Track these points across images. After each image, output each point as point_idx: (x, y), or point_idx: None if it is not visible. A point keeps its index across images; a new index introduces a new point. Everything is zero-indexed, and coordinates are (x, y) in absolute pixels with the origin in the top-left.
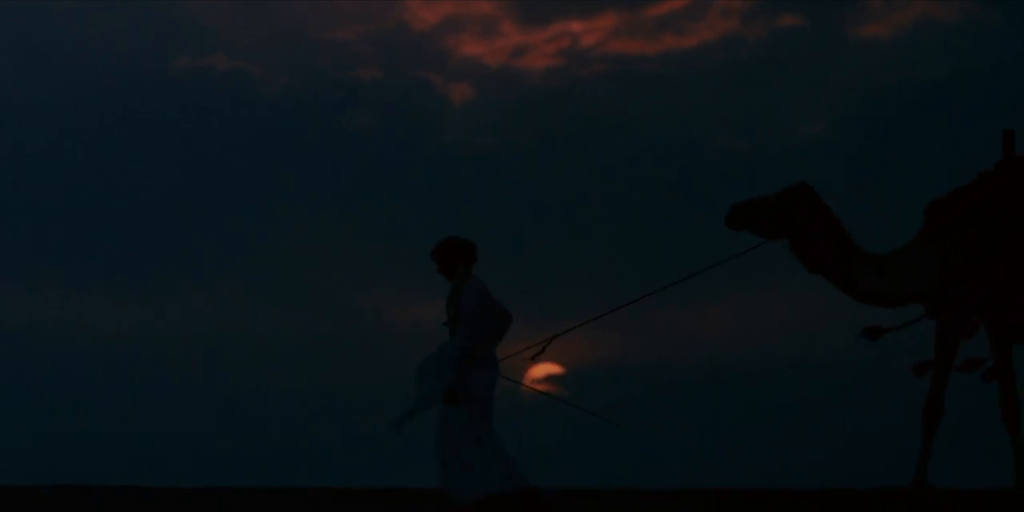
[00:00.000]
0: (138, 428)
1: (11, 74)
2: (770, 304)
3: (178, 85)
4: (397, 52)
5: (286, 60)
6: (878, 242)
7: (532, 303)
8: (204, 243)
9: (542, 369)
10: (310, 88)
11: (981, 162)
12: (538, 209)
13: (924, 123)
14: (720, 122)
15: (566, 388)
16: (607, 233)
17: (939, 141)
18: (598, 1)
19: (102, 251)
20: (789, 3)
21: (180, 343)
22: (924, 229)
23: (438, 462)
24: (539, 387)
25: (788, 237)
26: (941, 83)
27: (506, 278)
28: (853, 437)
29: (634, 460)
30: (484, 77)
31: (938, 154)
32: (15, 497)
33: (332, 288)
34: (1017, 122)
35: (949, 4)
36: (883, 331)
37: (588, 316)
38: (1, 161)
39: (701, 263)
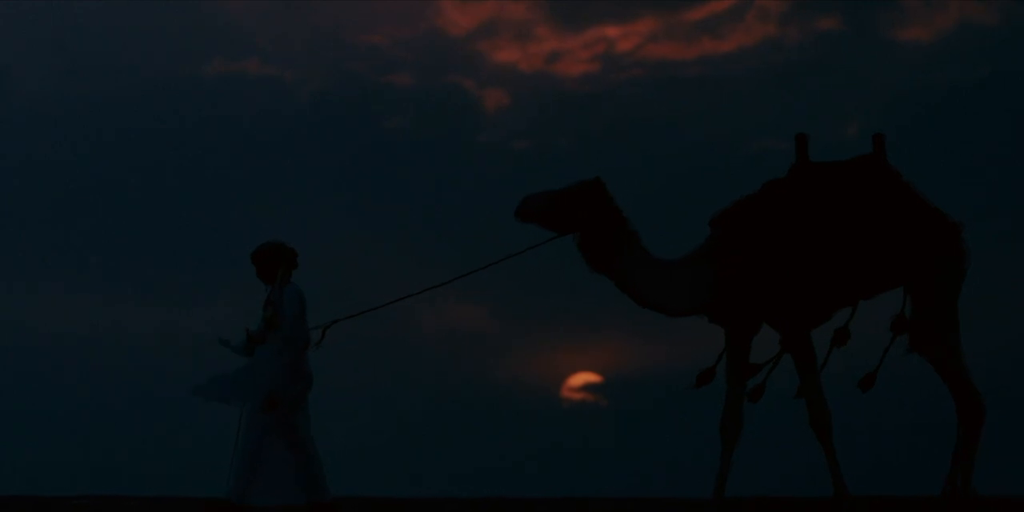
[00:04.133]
0: (143, 431)
1: (38, 78)
2: None
3: (210, 89)
4: (431, 57)
5: (319, 64)
6: None
7: (564, 308)
8: (235, 248)
9: (580, 377)
10: (343, 93)
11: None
12: None
13: (964, 125)
14: (758, 126)
15: (604, 396)
16: (644, 238)
17: (979, 143)
18: (634, 6)
19: (130, 256)
20: (827, 6)
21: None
22: (710, 237)
23: (238, 464)
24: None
25: (577, 233)
26: (981, 85)
27: (537, 281)
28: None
29: (656, 468)
30: (518, 83)
31: (978, 156)
32: (36, 507)
33: (364, 292)
34: None
35: (989, 5)
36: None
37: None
38: (29, 166)
39: None
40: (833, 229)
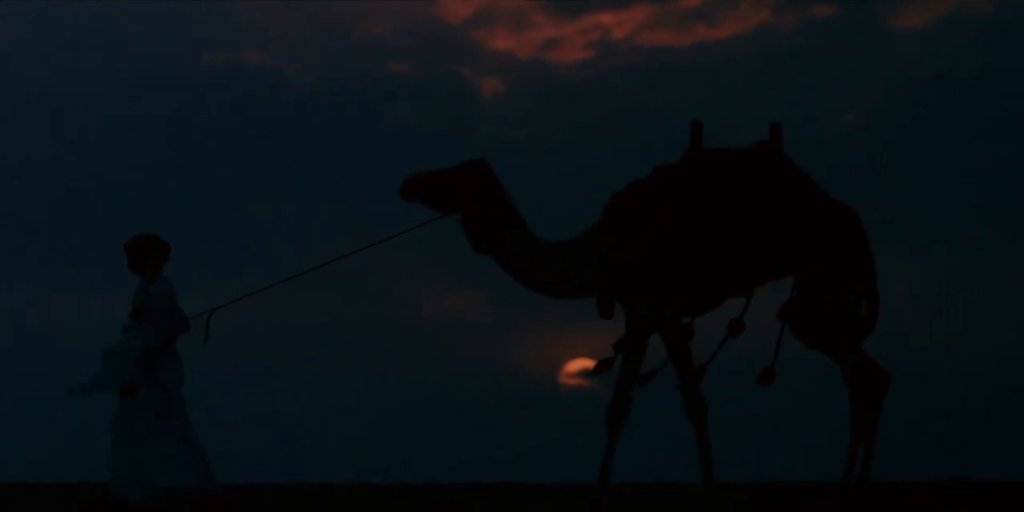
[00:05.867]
0: None
1: (37, 69)
2: None
3: (207, 80)
4: (429, 46)
5: (317, 54)
6: (912, 230)
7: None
8: (236, 238)
9: (577, 363)
10: (341, 83)
11: (1016, 153)
12: (570, 203)
13: (958, 114)
14: (753, 113)
15: (601, 381)
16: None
17: (974, 132)
18: None
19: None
20: None
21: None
22: (599, 220)
23: (113, 455)
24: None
25: (461, 213)
26: (976, 74)
27: None
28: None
29: (653, 453)
30: (515, 70)
31: (973, 146)
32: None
33: (364, 278)
34: None
35: None
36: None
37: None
38: (23, 162)
39: None
40: (722, 215)
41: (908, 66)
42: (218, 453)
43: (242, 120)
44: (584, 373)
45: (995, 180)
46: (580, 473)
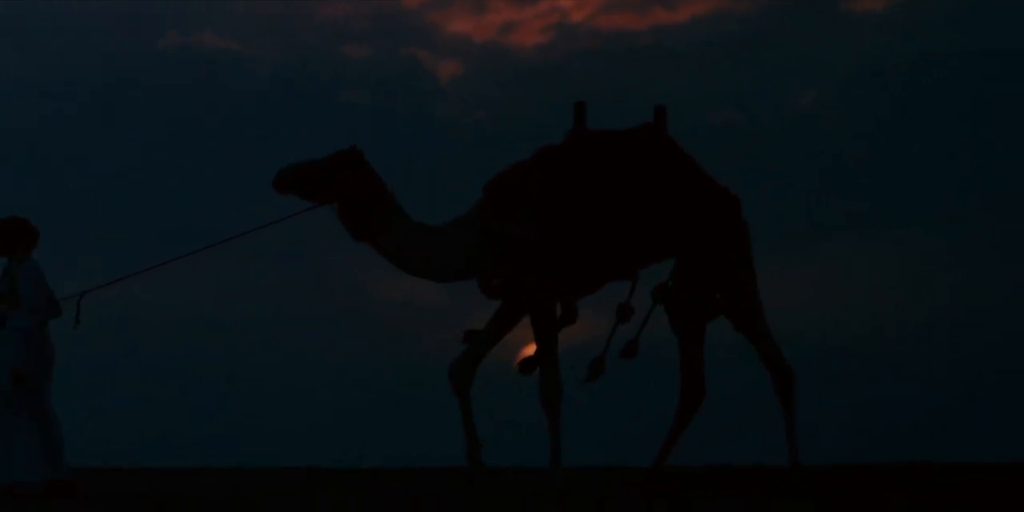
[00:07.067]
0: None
1: None
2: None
3: (165, 63)
4: (385, 28)
5: (274, 37)
6: (876, 216)
7: None
8: (192, 222)
9: (531, 347)
10: (298, 65)
11: (976, 137)
12: None
13: (918, 98)
14: (712, 96)
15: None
16: None
17: (934, 116)
18: None
19: (86, 234)
20: None
21: (167, 322)
22: (480, 201)
23: None
24: None
25: (336, 202)
26: (936, 57)
27: None
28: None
29: (608, 437)
30: (473, 54)
31: (933, 129)
32: None
33: (321, 264)
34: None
35: None
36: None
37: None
38: None
39: None
40: (606, 196)
41: (866, 48)
42: (182, 436)
43: (197, 103)
44: (523, 364)
45: (965, 163)
46: (534, 457)
